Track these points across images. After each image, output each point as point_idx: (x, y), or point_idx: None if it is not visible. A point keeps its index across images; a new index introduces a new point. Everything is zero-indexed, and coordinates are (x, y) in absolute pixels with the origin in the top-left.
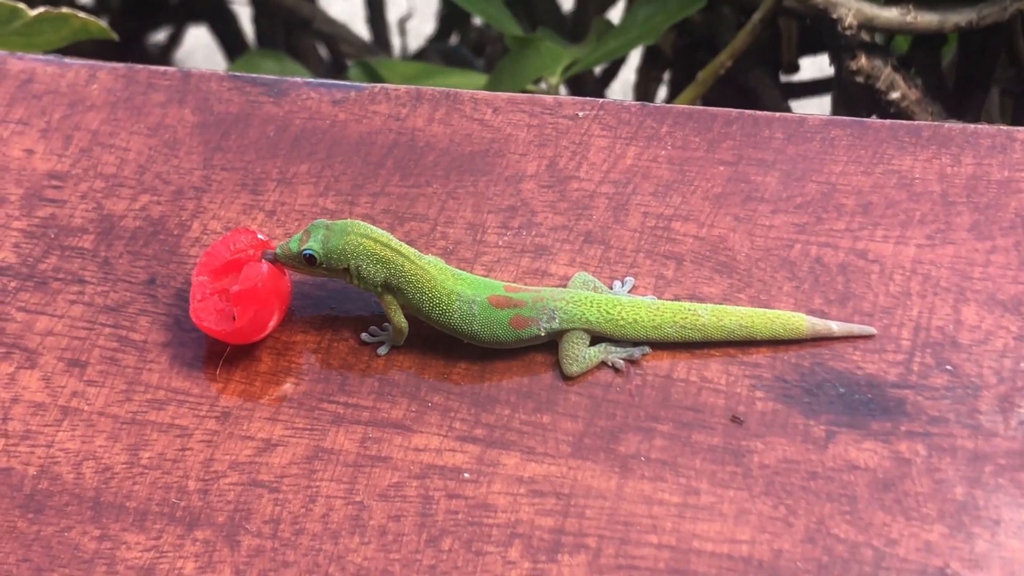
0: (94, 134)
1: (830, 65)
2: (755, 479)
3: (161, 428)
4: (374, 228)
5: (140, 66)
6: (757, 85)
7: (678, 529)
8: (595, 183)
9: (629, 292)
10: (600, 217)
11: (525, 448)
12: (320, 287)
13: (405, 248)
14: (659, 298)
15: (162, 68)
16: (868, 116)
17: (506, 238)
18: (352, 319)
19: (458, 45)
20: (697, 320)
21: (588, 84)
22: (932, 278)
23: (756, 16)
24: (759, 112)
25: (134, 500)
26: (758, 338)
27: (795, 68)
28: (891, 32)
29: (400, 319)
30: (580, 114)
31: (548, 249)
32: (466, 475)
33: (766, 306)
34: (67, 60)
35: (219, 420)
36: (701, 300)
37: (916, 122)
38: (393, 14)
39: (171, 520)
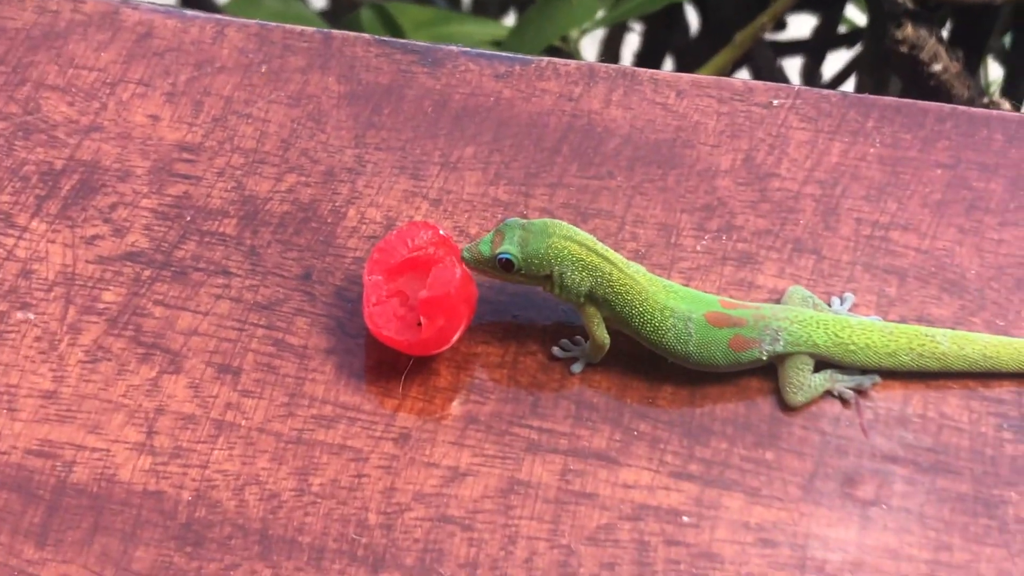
0: (227, 101)
1: (868, 33)
2: (1012, 535)
3: (332, 450)
4: (576, 229)
5: (273, 24)
6: (751, 43)
7: None
8: (799, 182)
9: (848, 311)
10: (808, 222)
11: (749, 489)
12: (500, 290)
13: (612, 254)
14: (883, 319)
15: (298, 28)
16: (891, 83)
17: (704, 242)
18: (539, 329)
19: None
20: (936, 348)
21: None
22: None
23: None
24: (974, 109)
25: (307, 534)
26: (1003, 370)
27: (782, 26)
28: (943, 1)
29: (603, 334)
30: (775, 102)
31: (753, 257)
32: (685, 518)
33: (1003, 332)
34: (189, 13)
35: (397, 443)
36: (929, 322)
37: None
38: None
39: (352, 559)
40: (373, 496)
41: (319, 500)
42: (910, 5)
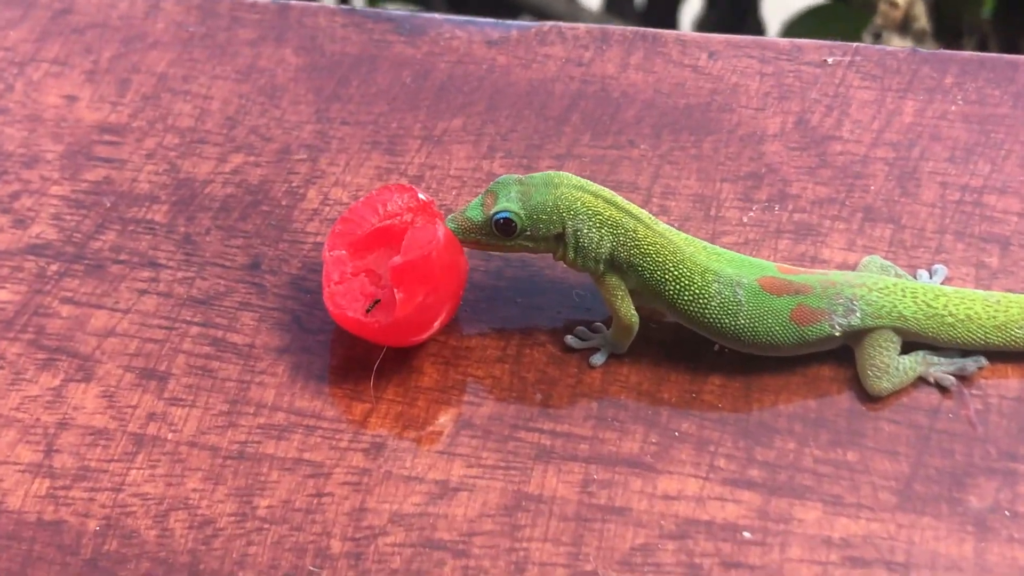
0: (160, 78)
1: None
2: None
3: (284, 465)
4: (587, 181)
5: None
6: None
7: None
8: (866, 145)
9: (941, 285)
10: (881, 188)
11: (828, 497)
12: (497, 273)
13: (636, 209)
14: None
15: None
16: None
17: (752, 214)
18: (548, 317)
19: None
20: None
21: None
22: None
23: None
24: None
25: (250, 568)
26: None
27: None
28: None
29: (629, 311)
30: (829, 60)
31: (815, 228)
32: (746, 534)
33: None
34: None
35: (369, 454)
36: None
37: None
38: None
39: None
40: (337, 519)
41: (267, 526)
42: None
